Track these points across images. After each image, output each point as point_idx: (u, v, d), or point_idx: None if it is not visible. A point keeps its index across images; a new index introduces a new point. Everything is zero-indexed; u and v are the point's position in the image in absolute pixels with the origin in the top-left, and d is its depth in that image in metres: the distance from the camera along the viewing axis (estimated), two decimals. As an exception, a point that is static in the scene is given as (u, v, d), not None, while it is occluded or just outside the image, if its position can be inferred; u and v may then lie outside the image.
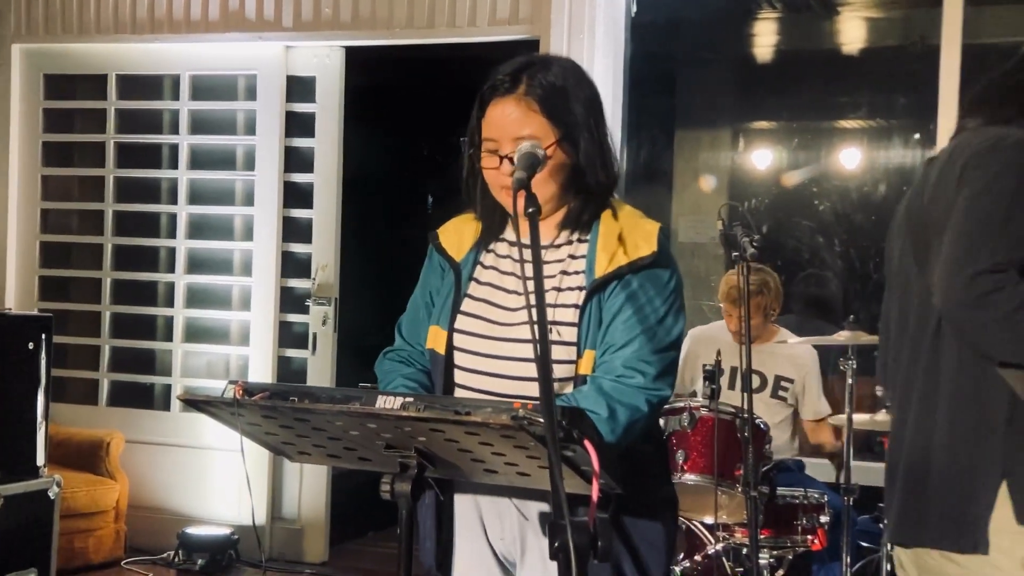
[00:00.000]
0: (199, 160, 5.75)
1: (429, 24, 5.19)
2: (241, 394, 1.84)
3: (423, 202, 8.10)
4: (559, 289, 2.14)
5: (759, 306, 4.50)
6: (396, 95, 7.34)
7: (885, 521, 2.40)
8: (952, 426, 2.20)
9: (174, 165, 5.78)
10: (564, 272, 2.16)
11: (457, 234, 2.29)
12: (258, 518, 5.48)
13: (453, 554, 2.25)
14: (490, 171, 2.15)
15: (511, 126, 2.12)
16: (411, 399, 1.77)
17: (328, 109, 5.51)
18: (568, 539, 1.58)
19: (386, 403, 1.77)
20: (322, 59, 5.50)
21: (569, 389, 2.09)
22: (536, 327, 1.73)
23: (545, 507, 2.09)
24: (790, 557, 4.05)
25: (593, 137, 2.16)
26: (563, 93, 2.15)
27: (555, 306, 2.12)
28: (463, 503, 2.24)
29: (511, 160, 2.07)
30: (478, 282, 2.24)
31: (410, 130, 7.81)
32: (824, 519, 4.01)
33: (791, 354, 4.62)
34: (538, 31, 4.99)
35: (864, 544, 4.46)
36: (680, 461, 3.86)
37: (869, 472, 4.48)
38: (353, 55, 5.51)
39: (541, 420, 1.67)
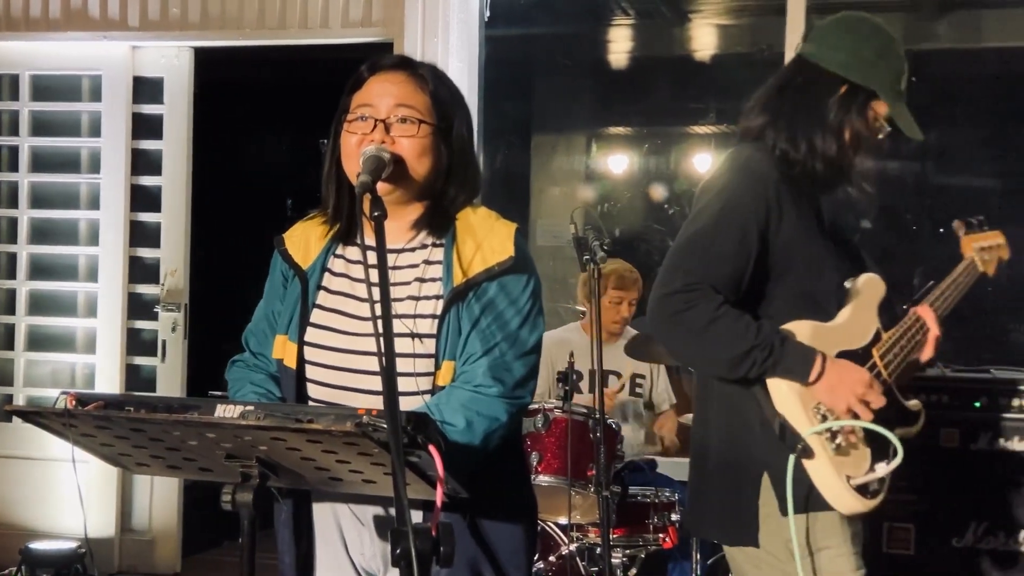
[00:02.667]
0: (41, 162, 5.56)
1: (280, 25, 5.12)
2: (74, 404, 1.78)
3: (282, 205, 7.98)
4: (416, 298, 2.10)
5: (634, 302, 4.64)
6: (252, 96, 7.22)
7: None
8: (721, 427, 2.36)
9: (14, 168, 5.57)
10: (420, 280, 2.11)
11: (304, 239, 2.22)
12: (107, 529, 5.32)
13: (314, 569, 2.20)
14: (353, 137, 2.07)
15: (397, 92, 2.08)
16: (251, 408, 1.74)
17: (177, 111, 5.39)
18: (410, 545, 1.57)
19: (225, 412, 1.73)
20: (170, 60, 5.38)
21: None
22: (379, 325, 1.71)
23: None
24: (643, 556, 4.11)
25: (464, 145, 2.15)
26: (449, 90, 2.16)
27: (414, 316, 2.07)
28: (322, 514, 2.19)
29: (387, 126, 2.05)
30: (328, 291, 2.17)
31: (269, 132, 7.69)
32: (675, 517, 4.08)
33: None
34: (392, 34, 4.97)
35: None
36: (534, 463, 3.88)
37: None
38: (206, 55, 5.40)
39: (385, 426, 1.66)
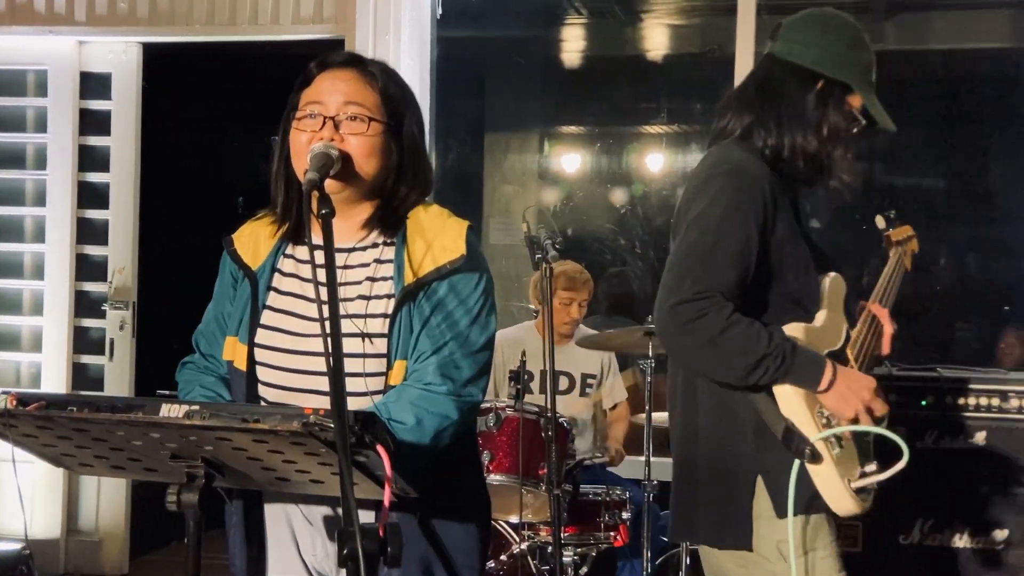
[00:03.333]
0: (-15, 158, 5.48)
1: (231, 21, 5.08)
2: (14, 404, 1.75)
3: (233, 203, 7.91)
4: (367, 298, 2.08)
5: (585, 303, 4.64)
6: (203, 93, 7.15)
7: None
8: (711, 430, 2.34)
9: (-42, 163, 5.49)
10: (371, 279, 2.09)
11: (253, 239, 2.20)
12: (52, 531, 5.25)
13: (266, 570, 2.17)
14: (303, 135, 2.05)
15: (346, 89, 2.06)
16: (196, 407, 1.71)
17: (125, 107, 5.33)
18: (357, 546, 1.56)
19: (170, 412, 1.71)
20: (118, 55, 5.32)
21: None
22: (327, 325, 1.70)
23: (361, 517, 2.05)
24: (593, 554, 4.12)
25: (415, 144, 2.14)
26: (399, 87, 2.14)
27: (365, 316, 2.06)
28: (274, 516, 2.16)
29: (336, 124, 2.03)
30: (278, 292, 2.15)
31: (220, 129, 7.62)
32: (626, 515, 4.10)
33: (593, 351, 4.71)
34: (343, 30, 4.95)
35: (666, 539, 4.57)
36: (486, 462, 3.88)
37: (669, 468, 4.59)
38: (155, 51, 5.35)
39: (332, 426, 1.64)
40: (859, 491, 2.26)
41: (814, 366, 2.24)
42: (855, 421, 2.25)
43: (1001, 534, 3.43)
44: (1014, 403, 3.45)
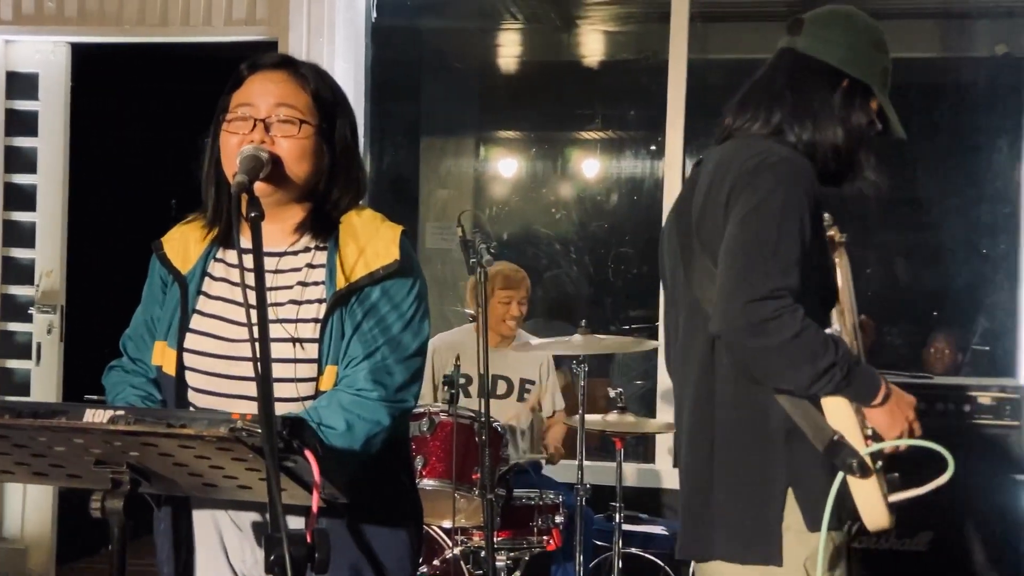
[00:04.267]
0: (-95, 158, 5.36)
1: (162, 22, 5.02)
2: (-68, 410, 1.70)
3: (166, 206, 7.80)
4: (298, 302, 2.06)
5: (524, 300, 4.65)
6: (135, 95, 7.06)
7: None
8: (732, 440, 2.23)
9: None
10: (303, 283, 2.07)
11: (183, 243, 2.17)
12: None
13: None
14: (233, 137, 2.03)
15: (277, 91, 2.04)
16: (121, 412, 1.68)
17: (53, 107, 5.25)
18: (284, 552, 1.54)
19: (94, 417, 1.68)
20: (45, 55, 5.24)
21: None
22: (255, 329, 1.68)
23: (291, 523, 2.03)
24: (527, 558, 4.13)
25: (348, 146, 2.12)
26: (331, 90, 2.13)
27: (295, 321, 2.04)
28: (202, 522, 2.14)
29: (266, 126, 2.01)
30: (208, 296, 2.12)
31: (153, 131, 7.51)
32: (559, 519, 4.11)
33: (530, 355, 4.72)
34: (276, 32, 4.91)
35: (599, 543, 4.59)
36: (419, 467, 3.86)
37: (602, 472, 4.62)
38: (84, 51, 5.27)
39: (259, 431, 1.62)
40: (891, 505, 2.19)
41: (872, 380, 2.16)
42: (899, 437, 2.19)
43: (926, 536, 3.49)
44: (940, 407, 3.51)
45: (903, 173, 6.19)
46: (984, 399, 3.56)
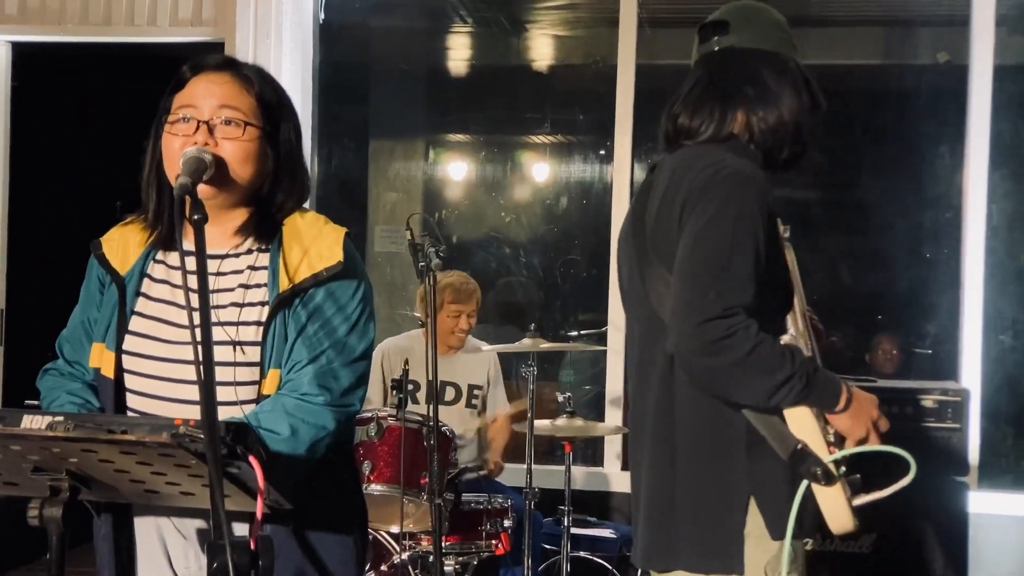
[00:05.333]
0: None
1: (105, 21, 4.96)
2: None
3: (110, 206, 7.71)
4: (240, 305, 2.04)
5: (473, 313, 4.65)
6: (79, 95, 6.96)
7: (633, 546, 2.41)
8: (694, 450, 2.23)
9: None
10: (245, 286, 2.05)
11: (122, 244, 2.14)
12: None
13: None
14: (175, 139, 2.01)
15: (221, 93, 2.03)
16: (60, 418, 1.65)
17: (-7, 107, 5.17)
18: (227, 559, 1.52)
19: (32, 423, 1.65)
20: (-15, 53, 5.16)
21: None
22: (197, 333, 1.66)
23: (235, 529, 2.00)
24: (475, 562, 4.12)
25: (292, 149, 2.11)
26: (275, 92, 2.11)
27: (237, 324, 2.02)
28: (144, 529, 2.11)
29: (210, 128, 1.99)
30: (148, 298, 2.10)
31: (97, 132, 7.42)
32: (508, 523, 4.11)
33: (479, 360, 4.71)
34: (222, 33, 4.87)
35: (547, 546, 4.60)
36: (366, 472, 3.84)
37: (551, 475, 4.63)
38: (26, 51, 5.20)
39: (202, 436, 1.60)
40: (855, 509, 2.19)
41: (833, 387, 2.16)
42: (863, 440, 2.18)
43: (870, 538, 3.52)
44: (883, 410, 3.54)
45: (847, 178, 6.27)
46: (927, 402, 3.59)
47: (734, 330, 2.05)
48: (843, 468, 2.18)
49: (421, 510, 3.89)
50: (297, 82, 4.93)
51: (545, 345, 4.21)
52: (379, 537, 3.98)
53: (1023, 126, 5.43)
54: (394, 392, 4.00)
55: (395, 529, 3.93)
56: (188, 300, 1.70)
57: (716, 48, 2.41)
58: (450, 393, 4.65)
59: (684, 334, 2.09)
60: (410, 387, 4.34)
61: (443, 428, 3.92)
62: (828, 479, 2.13)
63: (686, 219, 2.19)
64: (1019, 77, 5.51)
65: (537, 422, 4.15)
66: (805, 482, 2.14)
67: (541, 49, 7.12)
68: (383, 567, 3.92)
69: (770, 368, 2.08)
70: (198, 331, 1.67)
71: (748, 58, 2.38)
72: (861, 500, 2.19)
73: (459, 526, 4.03)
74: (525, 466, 4.14)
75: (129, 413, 2.06)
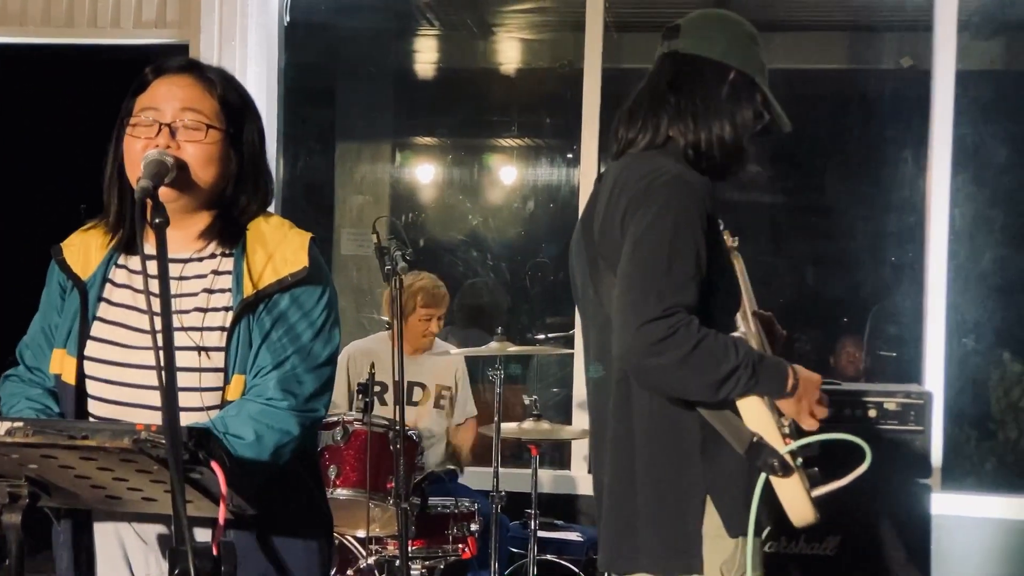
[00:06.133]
0: None
1: (68, 23, 4.92)
2: None
3: (74, 210, 7.64)
4: (204, 310, 2.02)
5: (443, 316, 4.65)
6: (42, 97, 6.90)
7: (598, 549, 2.41)
8: (652, 456, 2.25)
9: None
10: (209, 291, 2.04)
11: (83, 249, 2.13)
12: None
13: None
14: (137, 142, 1.99)
15: (183, 95, 2.01)
16: (19, 424, 1.64)
17: (-48, 109, 5.11)
18: (189, 566, 1.51)
19: (-9, 429, 1.63)
20: (-55, 55, 5.10)
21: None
22: (159, 338, 1.64)
23: (198, 535, 1.98)
24: (442, 567, 4.11)
25: (255, 152, 2.09)
26: (239, 94, 2.10)
27: (201, 329, 2.00)
28: (104, 535, 2.08)
29: (172, 131, 1.97)
30: (109, 303, 2.08)
31: (60, 134, 7.36)
32: (475, 527, 4.10)
33: (447, 362, 4.71)
34: (186, 35, 4.84)
35: (514, 550, 4.59)
36: (332, 476, 3.83)
37: (518, 479, 4.63)
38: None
39: (164, 442, 1.59)
40: (815, 500, 2.20)
41: (779, 371, 2.18)
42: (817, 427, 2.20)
43: (834, 540, 3.54)
44: (847, 413, 3.56)
45: (812, 183, 6.31)
46: (890, 404, 3.61)
47: (675, 328, 2.08)
48: (800, 460, 2.20)
49: (387, 514, 3.88)
50: (262, 85, 4.91)
51: (513, 348, 4.21)
52: (345, 542, 3.96)
53: (985, 130, 5.49)
54: (360, 396, 3.98)
55: (361, 534, 3.91)
56: (149, 304, 1.68)
57: (663, 52, 2.43)
58: (418, 393, 4.65)
59: (627, 338, 2.11)
60: (377, 388, 4.32)
61: (409, 432, 3.91)
62: (785, 470, 2.15)
63: (628, 225, 2.21)
64: (981, 82, 5.58)
65: (504, 425, 4.14)
66: (763, 477, 2.16)
67: (508, 53, 7.13)
68: (349, 572, 3.90)
69: (715, 361, 2.11)
70: (160, 336, 1.65)
71: (686, 65, 2.38)
72: (820, 491, 2.21)
73: (425, 530, 4.01)
74: (492, 469, 4.14)
75: (91, 419, 2.04)
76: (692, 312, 2.11)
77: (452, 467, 4.59)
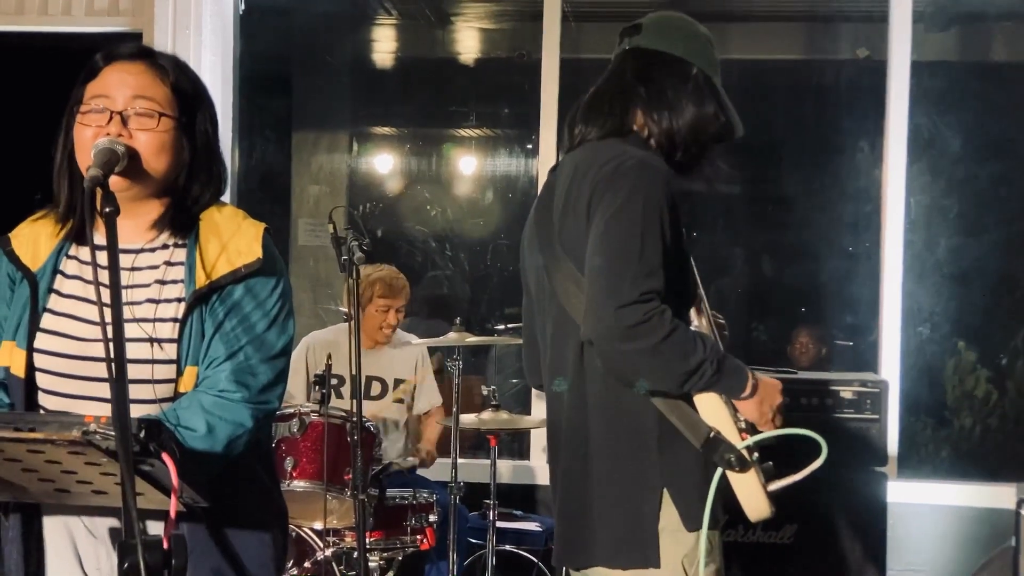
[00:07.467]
0: None
1: (18, 10, 4.85)
2: None
3: (26, 201, 7.55)
4: (156, 301, 1.99)
5: (402, 308, 4.61)
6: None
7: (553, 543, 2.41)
8: (607, 446, 2.25)
9: None
10: (161, 281, 2.01)
11: (32, 239, 2.09)
12: None
13: None
14: (88, 130, 1.96)
15: (135, 83, 1.98)
16: (-36, 417, 1.61)
17: (-99, 97, 5.02)
18: (138, 559, 1.49)
19: (-66, 422, 1.60)
20: None
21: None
22: (108, 329, 1.62)
23: (151, 528, 1.94)
24: (400, 558, 4.10)
25: (208, 141, 2.07)
26: (192, 82, 2.07)
27: (153, 320, 1.98)
28: (54, 529, 2.05)
29: (123, 119, 1.94)
30: (60, 294, 2.05)
31: (11, 122, 7.26)
32: (433, 518, 4.08)
33: (406, 355, 4.68)
34: (140, 24, 4.78)
35: (473, 540, 4.59)
36: (289, 468, 3.80)
37: (476, 469, 4.62)
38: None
39: (113, 434, 1.57)
40: (771, 495, 2.22)
41: (740, 373, 2.20)
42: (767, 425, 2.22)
43: (791, 528, 3.56)
44: (804, 401, 3.58)
45: (768, 173, 6.34)
46: (846, 393, 3.64)
47: (650, 315, 2.08)
48: (756, 454, 2.21)
49: (345, 506, 3.86)
50: (218, 73, 4.86)
51: (471, 339, 4.19)
52: (302, 534, 3.94)
53: (940, 121, 5.54)
54: (316, 388, 3.95)
55: (318, 526, 3.89)
56: (99, 296, 1.65)
57: (626, 48, 2.44)
58: (376, 388, 4.62)
59: (601, 320, 2.11)
60: (334, 382, 4.29)
61: (367, 423, 3.89)
62: (742, 465, 2.16)
63: (594, 211, 2.21)
64: (936, 73, 5.63)
65: (462, 416, 4.13)
66: (720, 471, 2.17)
67: (466, 42, 7.11)
68: (306, 564, 3.88)
69: (685, 353, 2.12)
70: (110, 327, 1.63)
71: (651, 59, 2.40)
72: (776, 485, 2.23)
73: (383, 521, 3.99)
74: (450, 460, 4.13)
75: (41, 412, 2.01)
76: (662, 299, 2.11)
77: (414, 462, 4.55)
